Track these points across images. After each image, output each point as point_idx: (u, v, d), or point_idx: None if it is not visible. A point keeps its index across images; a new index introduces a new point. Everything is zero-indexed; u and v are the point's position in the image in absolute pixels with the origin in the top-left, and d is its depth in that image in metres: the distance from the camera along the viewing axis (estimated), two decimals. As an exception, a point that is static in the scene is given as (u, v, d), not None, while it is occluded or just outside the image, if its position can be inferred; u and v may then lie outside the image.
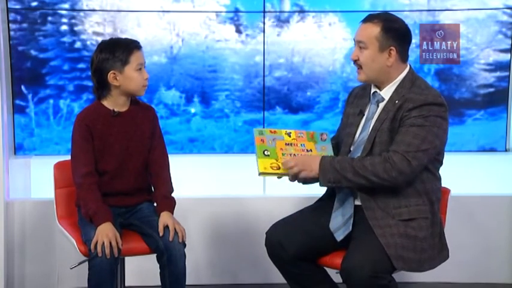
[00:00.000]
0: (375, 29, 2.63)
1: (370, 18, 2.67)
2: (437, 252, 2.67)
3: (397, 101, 2.63)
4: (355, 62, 2.70)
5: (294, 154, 2.71)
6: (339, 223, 2.69)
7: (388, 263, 2.53)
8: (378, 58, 2.64)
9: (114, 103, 2.88)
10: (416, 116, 2.56)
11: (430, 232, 2.62)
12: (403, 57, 2.68)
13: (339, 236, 2.68)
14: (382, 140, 2.63)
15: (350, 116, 2.82)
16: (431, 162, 2.64)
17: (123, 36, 3.45)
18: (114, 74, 2.80)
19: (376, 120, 2.67)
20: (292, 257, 2.72)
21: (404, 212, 2.60)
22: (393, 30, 2.63)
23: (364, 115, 2.75)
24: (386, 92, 2.68)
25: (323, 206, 2.80)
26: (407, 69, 2.70)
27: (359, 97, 2.81)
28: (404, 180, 2.57)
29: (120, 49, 2.82)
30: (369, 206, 2.64)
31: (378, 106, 2.70)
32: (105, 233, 2.70)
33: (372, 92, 2.74)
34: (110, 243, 2.68)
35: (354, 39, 2.71)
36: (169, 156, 3.02)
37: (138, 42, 2.87)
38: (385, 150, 2.59)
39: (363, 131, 2.72)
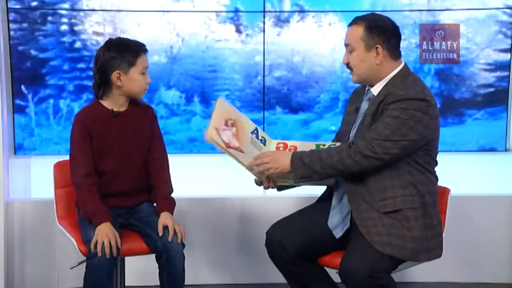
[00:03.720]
0: (359, 30, 2.65)
1: (355, 20, 2.70)
2: (435, 245, 2.65)
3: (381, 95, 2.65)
4: (347, 65, 2.72)
5: None
6: (337, 220, 2.70)
7: (386, 263, 2.54)
8: (366, 58, 2.65)
9: (113, 103, 2.88)
10: (394, 108, 2.57)
11: (422, 223, 2.59)
12: (393, 54, 2.67)
13: (338, 233, 2.69)
14: (364, 134, 2.64)
15: (348, 113, 2.84)
16: (422, 156, 2.62)
17: (123, 36, 3.45)
18: (119, 73, 2.80)
19: (362, 116, 2.70)
20: (292, 256, 2.73)
21: (390, 204, 2.59)
22: (377, 28, 2.64)
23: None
24: (376, 89, 2.69)
25: (323, 205, 2.80)
26: (400, 67, 2.69)
27: (358, 95, 2.83)
28: (371, 165, 2.56)
29: (129, 50, 2.82)
30: (354, 199, 2.64)
31: (368, 103, 2.71)
32: (105, 233, 2.70)
33: (366, 89, 2.76)
34: (110, 242, 2.68)
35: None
36: (169, 156, 3.02)
37: (146, 46, 2.88)
38: None
39: (353, 128, 2.74)
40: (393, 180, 2.60)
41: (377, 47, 2.64)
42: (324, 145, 2.75)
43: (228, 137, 2.63)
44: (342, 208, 2.71)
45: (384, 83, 2.67)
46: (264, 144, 2.76)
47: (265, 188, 2.74)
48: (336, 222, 2.71)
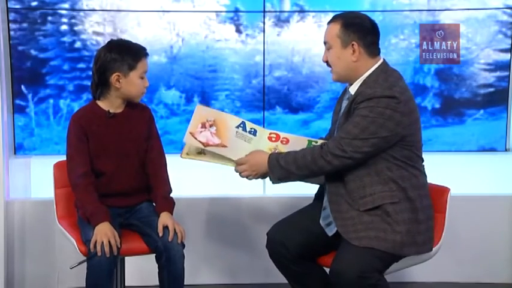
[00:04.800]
0: (335, 27, 2.68)
1: (333, 18, 2.73)
2: (424, 239, 2.64)
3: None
4: (327, 63, 2.74)
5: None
6: (329, 219, 2.71)
7: (375, 262, 2.54)
8: (343, 55, 2.67)
9: (110, 104, 2.88)
10: (363, 107, 2.58)
11: (405, 217, 2.58)
12: (370, 51, 2.68)
13: (330, 231, 2.70)
14: None
15: (335, 113, 2.87)
16: (400, 151, 2.61)
17: (123, 36, 3.45)
18: (118, 76, 2.81)
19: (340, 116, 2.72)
20: (294, 255, 2.74)
21: (369, 201, 2.60)
22: (353, 25, 2.66)
23: None
24: (354, 88, 2.70)
25: (321, 203, 2.80)
26: (377, 64, 2.69)
27: (344, 94, 2.83)
28: (342, 165, 2.58)
29: (130, 53, 2.82)
30: (335, 200, 2.66)
31: (348, 102, 2.72)
32: (104, 232, 2.70)
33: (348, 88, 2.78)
34: (109, 242, 2.69)
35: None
36: (169, 156, 3.03)
37: (146, 50, 2.88)
38: None
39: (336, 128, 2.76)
40: (372, 178, 2.61)
41: (353, 44, 2.65)
42: (316, 142, 2.77)
43: (206, 137, 2.75)
44: None
45: (360, 82, 2.68)
46: (254, 135, 2.80)
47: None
48: (327, 221, 2.72)
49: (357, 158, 2.57)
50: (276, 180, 2.68)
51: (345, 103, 2.74)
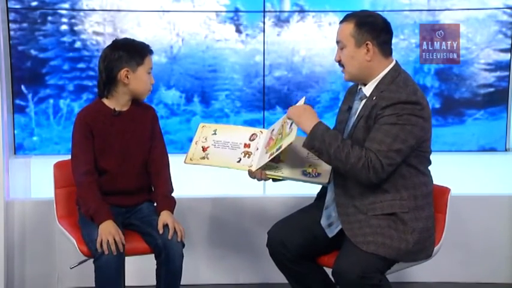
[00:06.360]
0: (349, 26, 2.66)
1: (345, 17, 2.72)
2: (425, 246, 2.64)
3: (374, 98, 2.64)
4: (339, 63, 2.72)
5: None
6: (330, 220, 2.71)
7: (378, 263, 2.53)
8: (357, 54, 2.65)
9: (117, 102, 2.89)
10: (389, 114, 2.55)
11: (413, 226, 2.59)
12: (384, 51, 2.67)
13: (331, 233, 2.70)
14: (358, 137, 2.63)
15: (341, 112, 2.85)
16: (415, 157, 2.61)
17: (124, 36, 3.45)
18: (127, 71, 2.83)
19: (356, 117, 2.69)
20: (294, 255, 2.74)
21: (378, 207, 2.59)
22: (367, 25, 2.65)
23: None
24: (368, 89, 2.69)
25: (322, 203, 2.80)
26: (391, 65, 2.69)
27: (352, 94, 2.83)
28: (377, 179, 2.56)
29: (136, 50, 2.86)
30: (342, 202, 2.65)
31: (360, 102, 2.71)
32: (108, 231, 2.71)
33: (358, 88, 2.76)
34: (115, 239, 2.69)
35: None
36: (169, 156, 3.03)
37: (150, 47, 2.91)
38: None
39: (347, 127, 2.74)
40: (384, 184, 2.59)
41: (367, 43, 2.64)
42: None
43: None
44: (335, 208, 2.71)
45: (375, 83, 2.67)
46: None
47: (258, 179, 2.75)
48: (329, 222, 2.72)
49: (389, 172, 2.56)
50: (309, 148, 2.61)
51: (357, 103, 2.72)
